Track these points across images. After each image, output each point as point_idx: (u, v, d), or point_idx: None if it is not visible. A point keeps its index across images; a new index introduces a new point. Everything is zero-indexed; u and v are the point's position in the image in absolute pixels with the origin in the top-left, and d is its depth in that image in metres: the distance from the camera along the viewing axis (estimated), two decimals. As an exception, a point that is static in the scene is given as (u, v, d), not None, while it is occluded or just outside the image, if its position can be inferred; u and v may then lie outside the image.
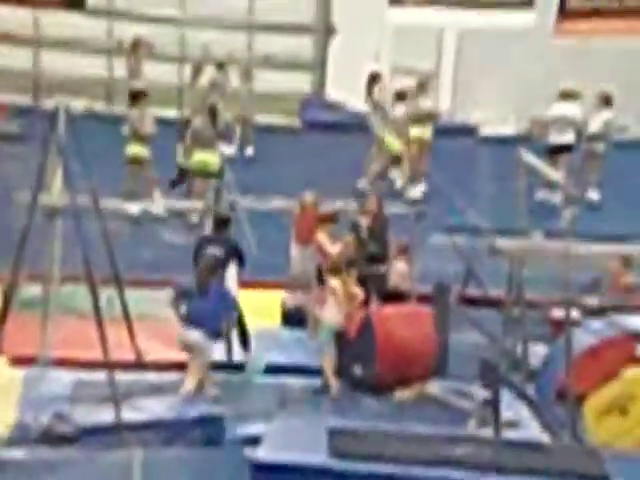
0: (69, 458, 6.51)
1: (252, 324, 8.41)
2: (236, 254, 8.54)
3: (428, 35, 13.40)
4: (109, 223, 7.24)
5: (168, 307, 7.94)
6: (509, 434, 7.17)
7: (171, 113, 12.33)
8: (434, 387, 8.18)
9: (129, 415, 6.74)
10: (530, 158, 8.65)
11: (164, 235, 10.74)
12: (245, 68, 12.51)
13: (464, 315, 8.85)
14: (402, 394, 8.07)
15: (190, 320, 7.73)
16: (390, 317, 8.27)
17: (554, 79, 11.98)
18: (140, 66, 12.66)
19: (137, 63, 12.65)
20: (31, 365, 6.99)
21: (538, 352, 8.31)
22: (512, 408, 7.52)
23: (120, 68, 13.33)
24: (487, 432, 7.14)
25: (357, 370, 8.13)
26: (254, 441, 6.76)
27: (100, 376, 6.88)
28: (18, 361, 7.52)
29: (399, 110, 11.86)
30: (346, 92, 13.18)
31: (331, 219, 9.25)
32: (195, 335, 7.68)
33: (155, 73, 13.25)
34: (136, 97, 11.20)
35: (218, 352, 8.25)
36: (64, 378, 7.46)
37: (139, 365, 7.75)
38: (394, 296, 8.69)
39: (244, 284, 8.65)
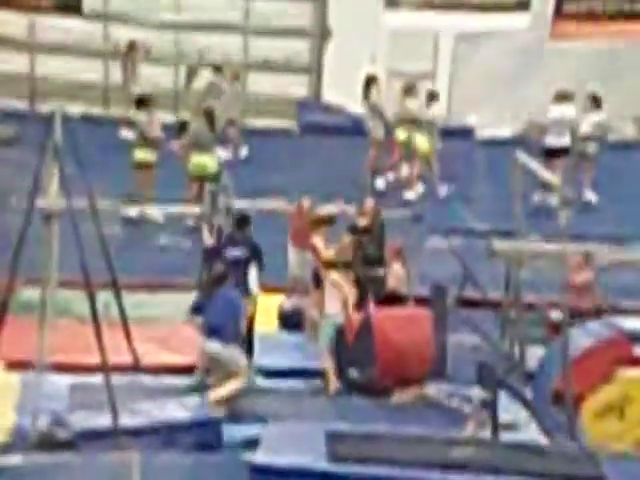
0: (67, 463, 6.50)
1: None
2: (256, 255, 8.52)
3: (424, 38, 13.43)
4: (109, 226, 7.24)
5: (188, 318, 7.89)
6: (507, 436, 7.18)
7: (167, 117, 12.32)
8: (432, 389, 8.18)
9: (126, 419, 6.73)
10: (527, 160, 8.67)
11: (161, 239, 10.74)
12: (233, 70, 12.48)
13: (462, 317, 8.85)
14: (400, 396, 8.07)
15: (207, 331, 7.70)
16: (388, 320, 8.27)
17: (550, 82, 12.01)
18: (136, 70, 12.66)
19: (133, 67, 12.65)
20: (28, 370, 6.97)
21: (535, 354, 8.31)
22: (510, 410, 7.52)
23: (117, 72, 13.34)
24: (485, 434, 7.14)
25: (355, 373, 8.13)
26: (252, 444, 6.76)
27: (97, 380, 6.87)
28: (15, 365, 7.51)
29: (430, 110, 11.84)
30: (342, 95, 13.19)
31: (326, 222, 9.26)
32: (214, 346, 7.64)
33: (151, 77, 13.27)
34: (143, 102, 11.16)
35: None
36: (61, 382, 7.44)
37: (136, 369, 7.74)
38: (392, 299, 8.69)
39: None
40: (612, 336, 7.85)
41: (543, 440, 7.26)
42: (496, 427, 7.05)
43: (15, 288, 7.04)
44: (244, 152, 12.26)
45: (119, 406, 6.61)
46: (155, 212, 10.80)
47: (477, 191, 11.33)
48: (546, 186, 10.73)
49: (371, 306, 8.59)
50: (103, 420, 6.68)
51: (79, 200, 6.67)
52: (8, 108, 12.76)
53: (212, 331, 7.69)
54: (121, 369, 7.28)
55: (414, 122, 11.85)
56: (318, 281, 8.93)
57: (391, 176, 12.30)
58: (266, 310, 8.99)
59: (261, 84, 13.84)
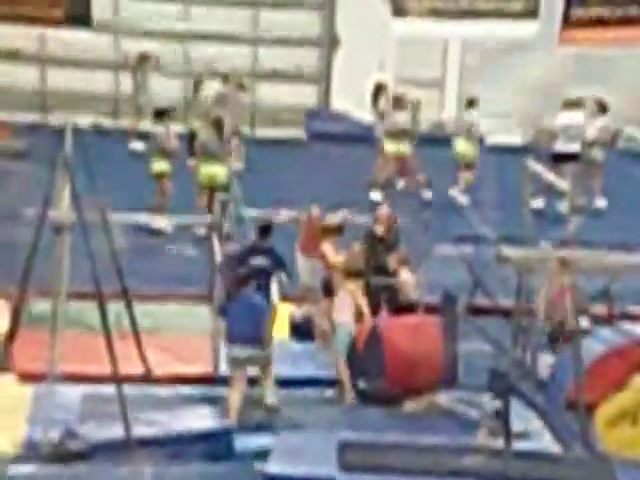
0: (79, 474, 6.51)
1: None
2: (281, 265, 8.53)
3: (433, 46, 13.45)
4: (119, 237, 7.26)
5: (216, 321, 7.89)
6: (519, 445, 7.14)
7: (177, 127, 12.36)
8: (443, 398, 8.15)
9: (138, 430, 6.74)
10: (537, 167, 8.65)
11: (171, 249, 10.76)
12: (237, 80, 12.51)
13: (473, 325, 8.82)
14: (411, 405, 8.04)
15: (232, 336, 7.71)
16: (398, 329, 8.26)
17: (558, 88, 12.00)
18: (146, 81, 12.73)
19: (143, 78, 12.71)
20: (40, 381, 6.99)
21: (547, 362, 8.27)
22: (522, 418, 7.48)
23: (127, 83, 13.40)
24: (497, 443, 7.11)
25: (365, 382, 8.11)
26: (264, 454, 6.75)
27: (109, 390, 6.88)
28: (27, 377, 7.53)
29: (469, 116, 11.83)
30: (351, 103, 13.21)
31: (336, 230, 9.26)
32: (247, 350, 7.65)
33: (160, 87, 13.34)
34: (161, 114, 11.25)
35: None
36: (73, 393, 7.46)
37: (148, 379, 7.75)
38: (405, 307, 8.68)
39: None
40: (624, 343, 7.81)
41: (556, 448, 7.22)
42: (508, 435, 7.02)
43: (27, 300, 7.06)
44: (240, 165, 12.21)
45: (131, 417, 6.61)
46: (163, 223, 10.83)
47: (486, 198, 11.32)
48: (547, 192, 10.71)
49: (384, 314, 8.57)
50: (115, 431, 6.68)
51: (90, 212, 6.70)
52: (20, 121, 12.83)
53: (236, 335, 7.67)
54: (133, 380, 7.29)
55: (404, 134, 11.83)
56: (328, 290, 8.93)
57: (401, 183, 12.31)
58: (277, 319, 8.99)
59: (270, 93, 13.89)
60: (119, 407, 6.53)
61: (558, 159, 11.32)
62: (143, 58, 12.84)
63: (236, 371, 7.72)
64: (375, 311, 8.54)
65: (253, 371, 7.83)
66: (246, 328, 7.66)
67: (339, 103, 13.80)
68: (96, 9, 11.58)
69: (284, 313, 9.19)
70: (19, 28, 12.54)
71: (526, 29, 10.64)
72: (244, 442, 7.19)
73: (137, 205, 10.25)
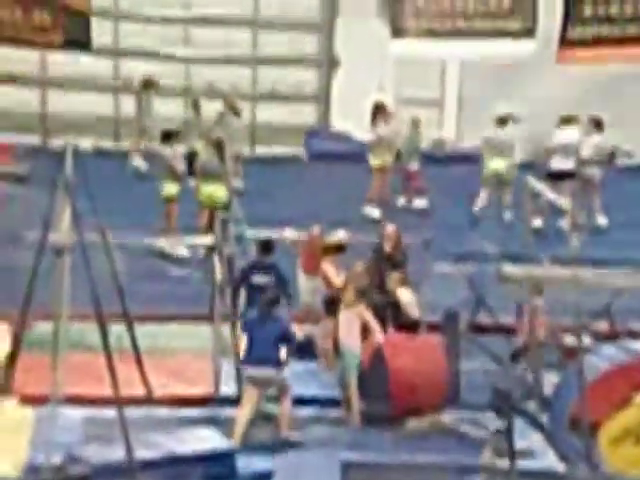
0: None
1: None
2: (282, 282, 8.52)
3: (431, 65, 13.51)
4: (120, 259, 7.27)
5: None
6: (524, 463, 7.10)
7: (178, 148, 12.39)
8: (446, 417, 8.11)
9: (140, 452, 6.71)
10: (537, 185, 8.67)
11: (171, 270, 10.76)
12: (228, 101, 12.54)
13: (475, 342, 8.80)
14: (414, 424, 8.01)
15: (254, 356, 7.68)
16: (402, 350, 8.22)
17: (558, 107, 12.05)
18: (150, 104, 12.77)
19: (147, 102, 12.75)
20: (42, 404, 6.97)
21: (550, 380, 8.24)
22: (526, 437, 7.45)
23: (127, 106, 13.46)
24: (502, 462, 7.07)
25: (369, 403, 8.07)
26: (267, 476, 6.72)
27: (111, 413, 6.86)
28: (29, 400, 7.51)
29: (500, 133, 11.86)
30: (351, 123, 13.26)
31: (337, 249, 9.27)
32: (267, 371, 7.64)
33: (160, 108, 13.40)
34: (169, 136, 11.29)
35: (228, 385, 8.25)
36: (75, 416, 7.44)
37: (149, 401, 7.72)
38: (408, 326, 8.66)
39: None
40: (628, 360, 7.78)
41: (560, 467, 7.18)
42: (513, 454, 6.98)
43: (28, 324, 7.06)
44: (240, 185, 12.25)
45: (133, 439, 6.59)
46: (181, 249, 10.84)
47: (487, 216, 11.33)
48: (545, 210, 10.73)
49: (392, 333, 8.53)
50: (117, 453, 6.65)
51: (91, 234, 6.71)
52: (20, 145, 12.88)
53: (261, 357, 7.64)
54: (134, 401, 7.27)
55: (388, 147, 11.87)
56: (329, 309, 8.92)
57: (402, 200, 12.35)
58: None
59: (270, 113, 13.95)
60: (121, 429, 6.51)
61: (554, 177, 11.34)
62: (148, 83, 12.89)
63: (249, 390, 7.69)
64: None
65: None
66: (268, 349, 7.62)
67: (338, 123, 13.86)
68: (96, 33, 11.63)
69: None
70: (20, 52, 12.61)
71: (524, 48, 10.68)
72: (246, 463, 7.15)
73: (138, 227, 10.27)
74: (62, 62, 13.18)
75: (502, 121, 11.99)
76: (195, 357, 8.82)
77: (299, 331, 9.21)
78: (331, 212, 10.94)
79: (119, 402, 6.58)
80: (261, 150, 13.85)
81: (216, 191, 10.93)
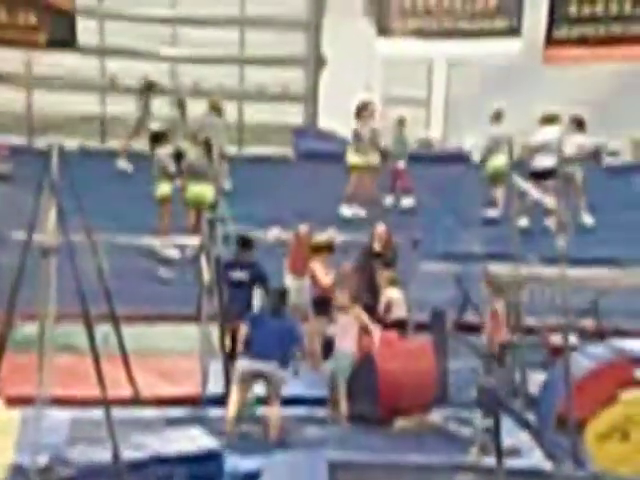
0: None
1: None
2: (261, 279, 8.47)
3: (418, 65, 13.54)
4: (106, 259, 7.24)
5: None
6: (511, 462, 7.12)
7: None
8: (434, 416, 8.13)
9: (127, 453, 6.69)
10: (522, 184, 8.70)
11: (159, 270, 10.73)
12: (211, 100, 12.51)
13: (462, 341, 8.82)
14: (402, 424, 8.02)
15: (258, 350, 7.67)
16: (391, 351, 8.21)
17: (543, 106, 12.10)
18: (150, 106, 12.70)
19: (148, 104, 12.67)
20: (28, 405, 6.93)
21: (537, 378, 8.28)
22: (513, 435, 7.47)
23: (113, 105, 13.42)
24: (489, 460, 7.09)
25: (358, 403, 8.07)
26: (254, 476, 6.71)
27: (98, 413, 6.83)
28: (15, 401, 7.47)
29: (496, 129, 11.84)
30: (338, 122, 13.27)
31: (326, 249, 9.26)
32: (266, 365, 7.64)
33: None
34: (158, 137, 11.23)
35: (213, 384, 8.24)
36: (61, 417, 7.41)
37: (136, 401, 7.69)
38: (394, 325, 8.67)
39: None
40: (614, 359, 7.82)
41: (547, 465, 7.21)
42: (500, 453, 7.01)
43: (14, 324, 7.02)
44: (226, 184, 12.25)
45: (120, 439, 6.56)
46: (172, 251, 10.82)
47: (473, 215, 11.36)
48: (529, 210, 10.75)
49: (383, 334, 8.52)
50: (104, 455, 6.63)
51: (77, 234, 6.68)
52: (5, 144, 12.81)
53: (264, 352, 7.64)
54: (121, 402, 7.24)
55: (370, 146, 11.88)
56: (318, 309, 8.91)
57: (390, 199, 12.37)
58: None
59: (257, 112, 13.93)
60: (107, 430, 6.48)
61: (536, 176, 11.38)
62: (150, 84, 12.83)
63: (239, 385, 7.67)
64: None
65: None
66: (272, 346, 7.62)
67: (325, 122, 13.86)
68: (81, 32, 11.60)
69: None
70: (4, 51, 12.55)
71: (510, 48, 10.73)
72: (234, 463, 7.14)
73: (125, 227, 10.23)
74: (47, 61, 13.13)
75: (497, 116, 11.96)
76: (182, 357, 8.80)
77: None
78: (319, 211, 10.93)
79: (106, 403, 6.55)
80: (248, 150, 13.83)
81: (203, 191, 10.91)
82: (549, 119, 11.82)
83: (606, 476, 6.77)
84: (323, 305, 8.92)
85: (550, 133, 11.73)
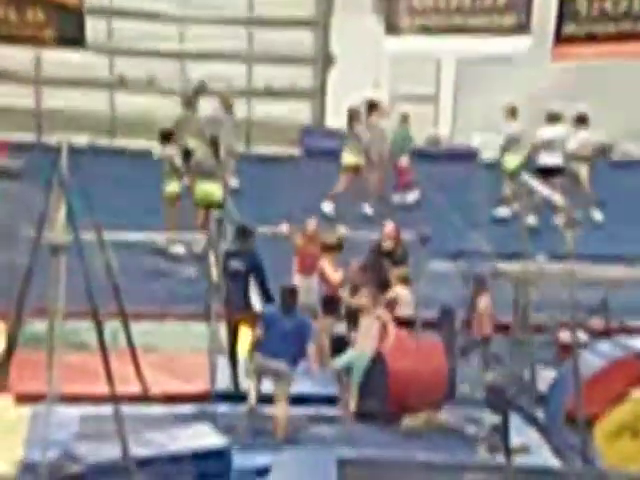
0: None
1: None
2: (256, 269, 8.48)
3: (427, 62, 13.51)
4: (116, 257, 7.26)
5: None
6: (520, 460, 7.11)
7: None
8: (442, 414, 8.12)
9: (137, 450, 6.70)
10: (532, 181, 8.68)
11: (167, 267, 10.75)
12: (226, 100, 12.51)
13: (470, 339, 8.81)
14: (411, 422, 8.01)
15: (270, 349, 7.69)
16: (402, 349, 8.19)
17: (552, 103, 12.06)
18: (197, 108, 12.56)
19: (196, 105, 12.57)
20: (37, 402, 6.96)
21: (546, 376, 8.26)
22: (522, 433, 7.46)
23: (122, 103, 13.43)
24: (497, 458, 7.08)
25: (368, 401, 8.06)
26: (262, 473, 6.71)
27: (107, 410, 6.85)
28: (25, 398, 7.49)
29: (514, 127, 11.78)
30: (345, 120, 13.24)
31: (336, 247, 9.25)
32: (278, 364, 7.67)
33: (156, 106, 13.37)
34: (168, 136, 11.20)
35: (224, 381, 8.25)
36: (71, 414, 7.42)
37: (145, 398, 7.71)
38: (401, 323, 8.66)
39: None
40: (624, 356, 7.80)
41: (556, 463, 7.19)
42: (508, 451, 6.99)
43: (24, 321, 7.05)
44: (234, 183, 12.24)
45: (129, 436, 6.58)
46: (179, 248, 10.83)
47: (482, 213, 11.34)
48: (538, 207, 10.72)
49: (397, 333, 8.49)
50: (113, 451, 6.65)
51: (86, 232, 6.70)
52: (15, 141, 12.84)
53: (277, 350, 7.67)
54: (130, 399, 7.26)
55: (376, 145, 11.88)
56: (327, 307, 8.91)
57: (397, 197, 12.36)
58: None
59: (265, 110, 13.93)
60: (116, 427, 6.50)
61: (542, 173, 11.35)
62: (202, 87, 12.82)
63: (254, 379, 7.73)
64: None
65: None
66: (285, 344, 7.64)
67: (333, 120, 13.85)
68: (90, 29, 11.61)
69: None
70: (13, 49, 12.58)
71: (518, 45, 10.69)
72: (243, 460, 7.15)
73: (134, 225, 10.25)
74: (56, 59, 13.15)
75: (512, 113, 11.95)
76: (191, 354, 8.81)
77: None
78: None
79: (115, 400, 6.57)
80: (256, 147, 13.83)
81: (211, 189, 10.91)
82: (554, 117, 11.80)
83: (615, 474, 6.74)
84: (331, 304, 8.91)
85: (554, 131, 11.71)
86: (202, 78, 13.53)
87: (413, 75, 13.42)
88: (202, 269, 9.31)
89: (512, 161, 11.87)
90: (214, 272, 8.83)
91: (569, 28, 10.68)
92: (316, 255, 9.23)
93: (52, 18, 11.46)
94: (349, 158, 11.94)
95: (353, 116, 12.10)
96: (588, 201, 11.85)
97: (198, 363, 8.47)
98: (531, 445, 7.48)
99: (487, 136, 13.02)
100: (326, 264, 9.09)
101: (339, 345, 8.51)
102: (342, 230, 9.60)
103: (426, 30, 10.81)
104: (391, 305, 8.83)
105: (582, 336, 8.37)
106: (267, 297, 8.30)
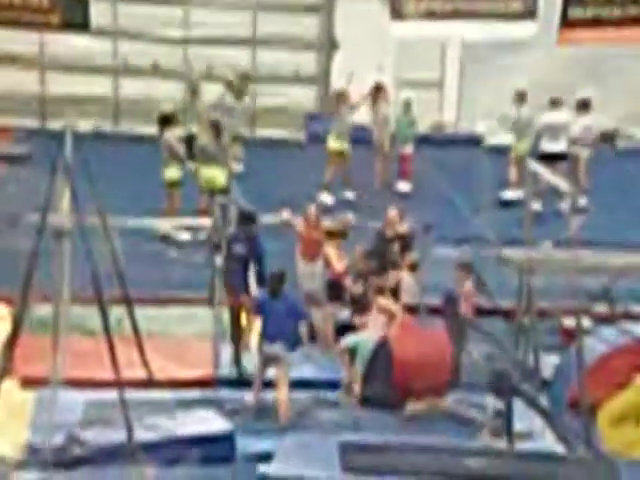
0: (82, 479, 6.50)
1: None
2: (256, 254, 8.50)
3: (432, 47, 13.44)
4: (121, 242, 7.26)
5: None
6: (522, 445, 7.13)
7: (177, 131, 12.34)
8: (446, 399, 8.14)
9: (141, 434, 6.73)
10: (537, 167, 8.65)
11: (171, 253, 10.76)
12: (236, 86, 12.47)
13: (474, 325, 8.81)
14: (414, 407, 8.03)
15: (268, 334, 7.77)
16: (407, 335, 8.21)
17: (558, 88, 12.01)
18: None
19: (243, 92, 12.44)
20: (42, 386, 6.99)
21: (550, 362, 8.26)
22: (525, 419, 7.47)
23: (126, 88, 13.40)
24: (500, 443, 7.10)
25: (372, 386, 8.09)
26: (266, 457, 6.74)
27: (111, 395, 6.88)
28: (29, 382, 7.52)
29: (524, 112, 11.74)
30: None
31: (340, 234, 9.25)
32: (276, 347, 7.74)
33: (160, 91, 13.34)
34: (167, 120, 11.10)
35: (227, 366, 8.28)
36: (75, 398, 7.46)
37: (150, 383, 7.73)
38: (405, 310, 8.67)
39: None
40: (627, 342, 7.80)
41: (559, 448, 7.21)
42: (511, 436, 7.01)
43: (28, 305, 7.07)
44: (239, 168, 12.21)
45: (133, 421, 6.61)
46: (184, 234, 10.83)
47: (486, 199, 11.32)
48: (542, 193, 10.70)
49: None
50: (117, 435, 6.68)
51: (91, 217, 6.70)
52: (20, 126, 12.83)
53: (272, 333, 7.73)
54: (135, 384, 7.28)
55: (348, 133, 11.79)
56: (332, 293, 8.92)
57: (403, 185, 12.32)
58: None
59: (269, 95, 13.90)
60: (121, 411, 6.52)
61: (545, 159, 11.30)
62: (246, 76, 12.73)
63: (262, 369, 7.81)
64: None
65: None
66: (280, 327, 7.71)
67: (338, 105, 13.78)
68: (94, 14, 11.56)
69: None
70: (18, 33, 12.55)
71: (525, 29, 10.61)
72: (246, 445, 7.18)
73: (139, 210, 10.25)
74: (60, 43, 13.11)
75: (521, 97, 11.87)
76: (195, 340, 8.83)
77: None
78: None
79: (119, 384, 6.59)
80: (260, 132, 13.80)
81: (215, 175, 10.89)
82: (557, 102, 11.75)
83: (618, 459, 6.76)
84: (337, 290, 8.92)
85: (557, 116, 11.67)
86: (207, 63, 13.49)
87: (418, 60, 13.36)
88: (207, 255, 9.32)
89: (520, 146, 11.83)
90: (218, 257, 8.85)
91: (575, 12, 10.60)
92: (319, 241, 9.22)
93: (57, 2, 11.42)
94: (333, 144, 11.87)
95: (339, 99, 12.03)
96: (580, 187, 11.80)
97: (202, 348, 8.49)
98: (534, 431, 7.49)
99: (492, 122, 12.98)
100: (331, 252, 9.08)
101: (344, 332, 8.54)
102: (349, 217, 9.59)
103: (431, 15, 10.74)
104: (395, 291, 8.84)
105: (586, 322, 8.37)
106: (262, 283, 8.32)
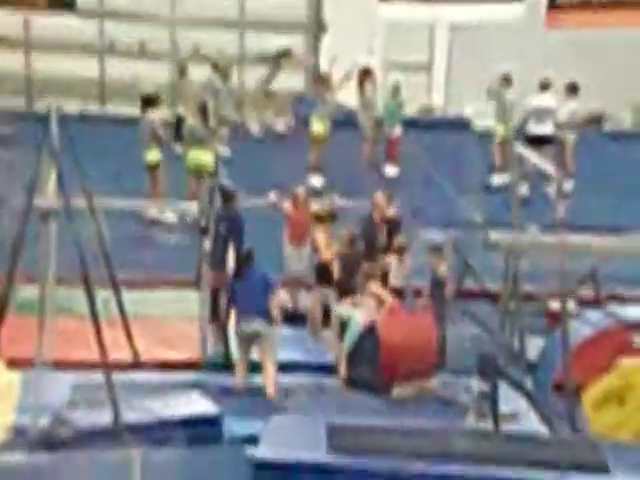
0: (68, 461, 6.50)
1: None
2: (235, 231, 8.51)
3: (420, 30, 13.41)
4: (107, 224, 7.23)
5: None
6: (508, 427, 7.18)
7: (164, 113, 12.29)
8: (432, 382, 8.18)
9: (127, 416, 6.74)
10: (524, 151, 8.66)
11: (158, 235, 10.73)
12: (223, 68, 12.39)
13: (461, 308, 8.85)
14: (401, 390, 8.07)
15: (241, 309, 7.76)
16: (394, 319, 8.23)
17: (546, 71, 12.00)
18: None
19: (276, 71, 12.39)
20: (29, 368, 6.97)
21: (535, 344, 8.31)
22: (510, 401, 7.52)
23: (112, 69, 13.30)
24: (486, 425, 7.15)
25: (360, 370, 8.11)
26: (254, 440, 6.77)
27: (98, 377, 6.87)
28: (16, 364, 7.50)
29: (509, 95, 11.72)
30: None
31: (329, 218, 9.24)
32: (255, 324, 7.75)
33: (146, 72, 13.26)
34: (150, 101, 10.98)
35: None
36: (62, 380, 7.45)
37: (136, 365, 7.73)
38: (395, 293, 8.71)
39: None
40: (612, 325, 7.85)
41: (544, 430, 7.27)
42: (496, 418, 7.06)
43: (14, 287, 7.04)
44: (226, 151, 12.16)
45: (120, 403, 6.61)
46: (169, 215, 10.79)
47: (474, 182, 11.34)
48: (529, 177, 10.72)
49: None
50: (104, 417, 6.68)
51: (77, 199, 6.67)
52: (5, 107, 12.73)
53: (247, 310, 7.73)
54: (121, 366, 7.28)
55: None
56: (321, 277, 8.92)
57: (390, 168, 12.31)
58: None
59: (257, 78, 13.84)
60: (108, 393, 6.52)
61: (532, 142, 11.30)
62: (286, 52, 12.65)
63: (242, 348, 7.77)
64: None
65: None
66: (252, 301, 7.72)
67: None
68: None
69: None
70: (3, 13, 12.43)
71: (512, 12, 10.61)
72: (233, 427, 7.20)
73: (125, 192, 10.20)
74: (46, 24, 12.99)
75: (507, 80, 11.87)
76: (182, 322, 8.83)
77: (286, 297, 9.26)
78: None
79: (106, 366, 6.59)
80: (248, 116, 13.75)
81: (203, 157, 10.85)
82: (546, 85, 11.75)
83: (602, 441, 6.82)
84: (325, 273, 8.93)
85: (544, 100, 11.67)
86: (194, 45, 13.41)
87: (406, 43, 13.33)
88: (193, 237, 9.29)
89: (503, 129, 11.84)
90: (206, 241, 8.83)
91: (563, -5, 10.60)
92: (307, 224, 9.21)
93: (42, -18, 11.31)
94: (316, 126, 11.82)
95: (321, 81, 11.99)
96: (567, 171, 11.83)
97: (189, 331, 8.49)
98: (519, 412, 7.54)
99: (480, 104, 12.97)
100: (320, 235, 9.08)
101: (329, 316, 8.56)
102: (336, 200, 9.58)
103: (420, -3, 10.70)
104: (385, 276, 8.86)
105: (572, 305, 8.42)
106: (238, 262, 8.34)
